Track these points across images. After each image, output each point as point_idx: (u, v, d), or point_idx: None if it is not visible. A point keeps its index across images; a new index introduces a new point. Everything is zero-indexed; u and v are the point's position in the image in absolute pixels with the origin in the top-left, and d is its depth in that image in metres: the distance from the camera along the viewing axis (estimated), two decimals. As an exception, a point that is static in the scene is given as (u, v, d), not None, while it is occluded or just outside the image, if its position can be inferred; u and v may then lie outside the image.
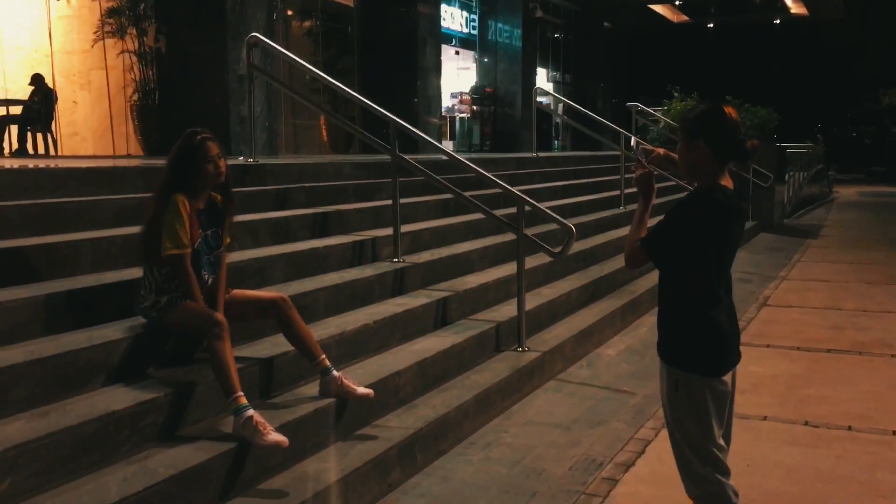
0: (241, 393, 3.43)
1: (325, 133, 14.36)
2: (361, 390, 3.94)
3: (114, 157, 11.28)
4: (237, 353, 3.90)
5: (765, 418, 4.83)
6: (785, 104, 22.17)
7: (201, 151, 3.72)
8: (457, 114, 19.12)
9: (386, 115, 5.72)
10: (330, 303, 4.84)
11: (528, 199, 5.55)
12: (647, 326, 7.07)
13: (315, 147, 14.30)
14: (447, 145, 17.44)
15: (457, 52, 18.80)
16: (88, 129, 13.57)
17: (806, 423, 4.75)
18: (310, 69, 6.29)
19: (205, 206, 3.81)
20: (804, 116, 34.60)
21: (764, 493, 3.79)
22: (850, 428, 4.66)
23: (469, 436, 4.45)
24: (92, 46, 12.46)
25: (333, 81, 6.11)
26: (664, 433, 3.06)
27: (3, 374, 3.11)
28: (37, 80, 12.08)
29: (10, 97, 12.15)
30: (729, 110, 2.71)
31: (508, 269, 6.11)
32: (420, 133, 5.91)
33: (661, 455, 4.08)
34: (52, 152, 12.08)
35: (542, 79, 22.78)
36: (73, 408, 3.19)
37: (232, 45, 10.79)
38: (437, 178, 6.00)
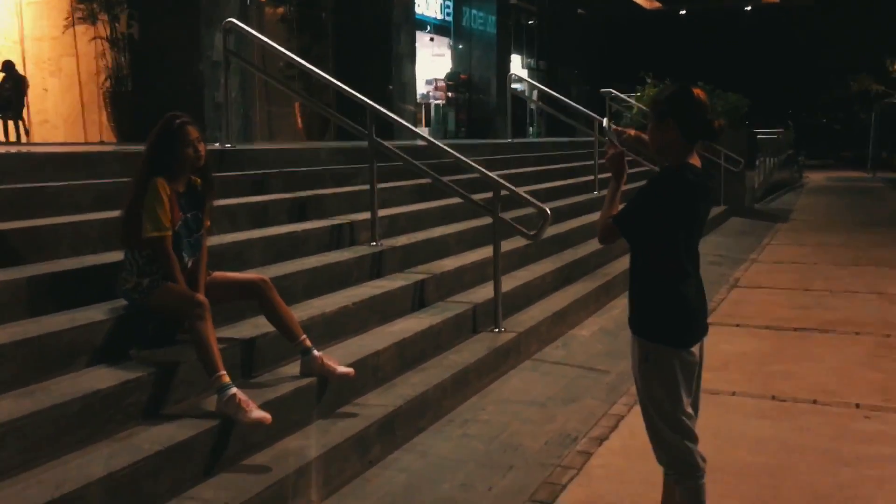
0: (224, 372, 3.50)
1: (299, 120, 14.35)
2: (342, 369, 4.02)
3: (86, 143, 11.24)
4: (219, 334, 3.96)
5: (734, 393, 4.98)
6: (756, 90, 22.40)
7: (181, 135, 3.76)
8: (432, 100, 19.16)
9: (363, 99, 5.78)
10: (309, 285, 4.91)
11: (504, 182, 5.64)
12: (620, 308, 7.20)
13: (290, 134, 14.30)
14: (423, 132, 17.49)
15: (431, 39, 18.83)
16: (59, 116, 13.44)
17: (773, 398, 4.90)
18: (287, 55, 6.32)
19: (185, 189, 3.86)
20: (775, 102, 34.96)
21: (732, 462, 3.92)
22: (815, 402, 4.82)
23: (447, 413, 4.55)
24: (63, 33, 12.35)
25: (311, 67, 6.15)
26: (637, 409, 3.18)
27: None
28: (7, 66, 11.99)
29: (-19, 84, 12.04)
30: (698, 92, 2.82)
31: (484, 252, 6.21)
32: (397, 118, 5.97)
33: (633, 429, 4.21)
34: (23, 139, 12.00)
35: (517, 65, 22.88)
36: (57, 387, 3.25)
37: (205, 31, 10.79)
38: (415, 162, 6.07)
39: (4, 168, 4.72)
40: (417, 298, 5.47)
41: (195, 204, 3.91)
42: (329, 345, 4.51)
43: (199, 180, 3.94)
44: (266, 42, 6.43)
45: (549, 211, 5.46)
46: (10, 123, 11.97)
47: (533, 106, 20.95)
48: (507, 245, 6.36)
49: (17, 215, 4.27)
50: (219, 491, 3.22)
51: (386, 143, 5.96)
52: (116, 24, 11.59)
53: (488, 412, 4.63)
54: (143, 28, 11.66)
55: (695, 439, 2.88)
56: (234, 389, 3.46)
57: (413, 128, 6.05)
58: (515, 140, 12.58)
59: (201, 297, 3.63)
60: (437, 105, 19.38)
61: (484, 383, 5.03)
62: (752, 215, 15.06)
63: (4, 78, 11.91)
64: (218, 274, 4.04)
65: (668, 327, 2.84)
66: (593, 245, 7.95)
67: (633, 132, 3.12)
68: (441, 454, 4.04)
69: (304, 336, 4.02)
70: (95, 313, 3.70)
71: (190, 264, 3.88)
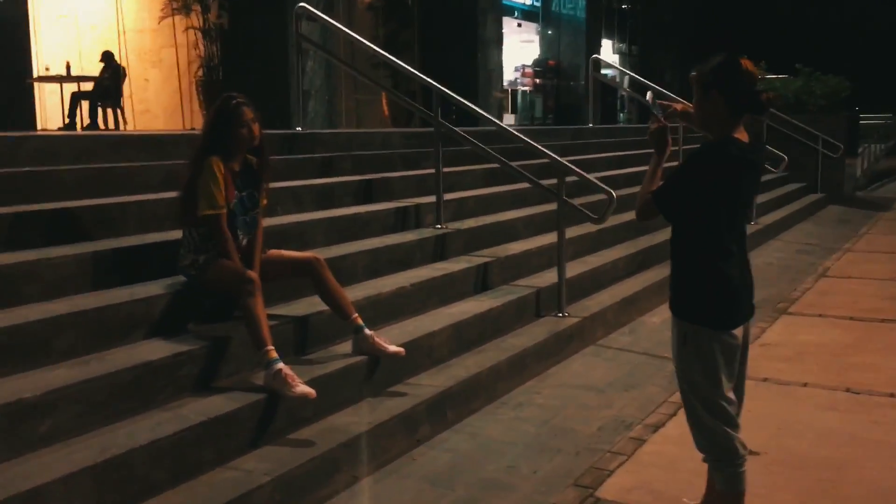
0: (272, 347, 3.57)
1: (385, 107, 14.48)
2: (392, 348, 4.05)
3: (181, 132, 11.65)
4: (274, 311, 4.07)
5: (805, 384, 4.77)
6: (864, 73, 21.33)
7: (236, 115, 3.85)
8: (519, 87, 19.02)
9: (428, 81, 5.78)
10: (369, 266, 4.96)
11: (571, 166, 5.56)
12: (696, 296, 6.99)
13: (377, 121, 14.44)
14: (509, 119, 17.40)
15: (519, 25, 18.66)
16: (160, 105, 13.97)
17: (847, 390, 4.67)
18: (355, 38, 6.38)
19: (240, 168, 3.94)
20: (887, 86, 33.22)
21: (792, 454, 3.77)
22: (892, 395, 4.58)
23: (501, 396, 4.52)
24: (159, 23, 12.84)
25: (375, 48, 6.20)
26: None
27: (49, 324, 3.31)
28: (106, 57, 12.49)
29: (85, 74, 12.59)
30: (745, 62, 2.70)
31: (554, 237, 6.13)
32: (464, 101, 5.93)
33: (690, 417, 4.08)
34: (121, 128, 12.50)
35: (608, 51, 22.45)
36: (112, 358, 3.37)
37: (291, 19, 11.02)
38: (483, 146, 6.04)
39: (82, 149, 4.93)
40: (480, 281, 5.44)
41: (251, 183, 3.99)
42: (385, 325, 4.55)
43: (254, 160, 4.02)
44: (334, 25, 6.50)
45: (614, 194, 5.34)
46: (109, 111, 12.45)
47: (623, 93, 20.56)
48: (577, 230, 6.28)
49: (91, 193, 4.46)
50: (261, 462, 3.29)
51: (461, 130, 5.95)
52: (207, 15, 11.98)
53: (544, 396, 4.58)
54: (233, 18, 12.01)
55: (735, 426, 2.77)
56: (280, 364, 3.52)
57: (481, 111, 6.00)
58: (598, 126, 12.36)
59: (252, 273, 3.70)
60: (524, 92, 19.23)
61: (543, 367, 4.97)
62: (852, 203, 14.39)
63: (104, 68, 12.41)
64: (273, 252, 4.12)
65: (708, 308, 2.74)
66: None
67: (679, 106, 3.02)
68: (490, 436, 4.02)
69: (356, 314, 4.06)
70: (155, 288, 3.83)
71: (245, 242, 3.96)
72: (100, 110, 12.35)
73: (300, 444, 3.48)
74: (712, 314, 2.74)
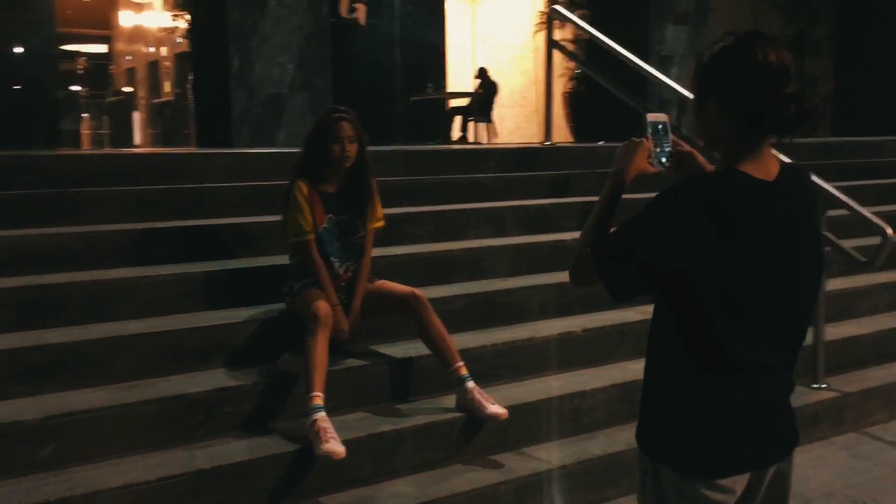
0: (318, 393, 3.14)
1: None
2: (492, 409, 3.34)
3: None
4: (386, 349, 3.66)
5: None
6: None
7: (332, 130, 3.49)
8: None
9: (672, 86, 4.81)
10: (548, 304, 4.22)
11: (841, 195, 4.17)
12: None
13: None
14: None
15: None
16: (525, 118, 14.26)
17: None
18: (605, 42, 5.58)
19: (337, 189, 3.58)
20: None
21: None
22: None
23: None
24: (533, 37, 12.97)
25: (612, 44, 5.34)
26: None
27: (109, 344, 3.29)
28: (482, 73, 12.92)
29: (458, 91, 13.22)
30: (765, 47, 1.61)
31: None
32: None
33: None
34: (488, 141, 12.83)
35: None
36: (163, 385, 3.24)
37: (654, 26, 10.24)
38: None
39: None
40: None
41: (351, 206, 3.60)
42: (538, 375, 3.82)
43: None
44: (586, 29, 5.76)
45: (889, 230, 3.86)
46: (480, 126, 12.86)
47: None
48: (860, 279, 4.74)
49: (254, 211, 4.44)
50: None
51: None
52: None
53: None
54: (596, 27, 11.56)
55: None
56: (318, 414, 3.08)
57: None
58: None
59: (322, 309, 3.30)
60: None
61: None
62: None
63: (480, 84, 12.86)
64: (381, 283, 3.67)
65: (680, 438, 1.69)
66: None
67: (685, 149, 1.91)
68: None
69: (461, 363, 3.44)
70: (251, 313, 3.65)
71: (343, 270, 3.59)
72: (471, 124, 12.82)
73: (320, 512, 3.02)
74: (686, 449, 1.68)
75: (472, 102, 12.78)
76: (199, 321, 3.53)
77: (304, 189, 3.49)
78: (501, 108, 13.56)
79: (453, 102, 12.88)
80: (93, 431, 2.98)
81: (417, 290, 3.54)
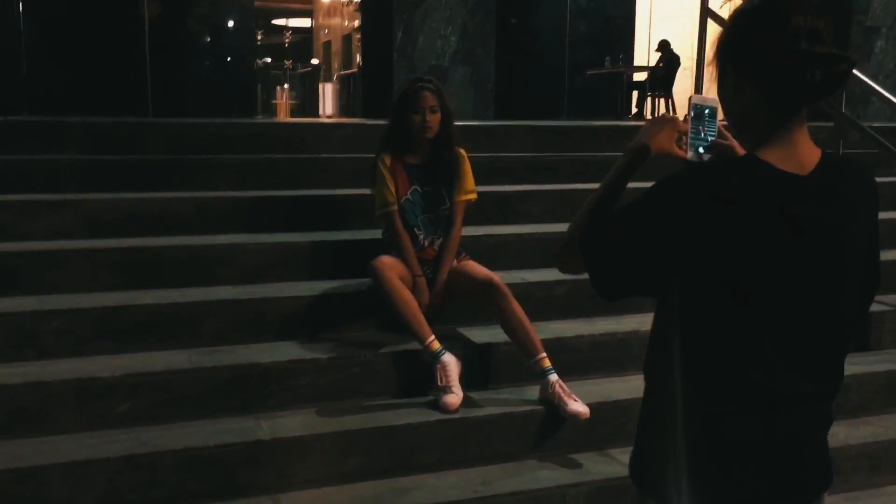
0: (430, 338, 3.19)
1: None
2: (574, 406, 3.11)
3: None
4: (468, 332, 3.51)
5: None
6: None
7: (413, 99, 3.38)
8: None
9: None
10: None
11: None
12: None
13: None
14: None
15: None
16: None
17: None
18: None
19: (422, 161, 3.47)
20: None
21: None
22: None
23: None
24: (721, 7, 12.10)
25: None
26: None
27: (200, 308, 3.36)
28: (663, 46, 12.28)
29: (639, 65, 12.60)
30: (789, 8, 1.31)
31: None
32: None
33: None
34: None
35: None
36: (244, 352, 3.26)
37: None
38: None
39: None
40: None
41: (436, 178, 3.47)
42: (639, 372, 3.51)
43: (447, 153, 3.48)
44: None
45: None
46: (660, 101, 12.25)
47: None
48: None
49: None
50: None
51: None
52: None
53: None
54: None
55: None
56: (443, 358, 3.15)
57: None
58: None
59: (382, 259, 3.29)
60: None
61: None
62: None
63: (660, 58, 12.24)
64: (465, 262, 3.51)
65: (674, 477, 1.42)
66: None
67: (728, 142, 1.58)
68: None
69: (543, 355, 3.23)
70: (342, 286, 3.61)
71: (428, 243, 3.47)
72: (649, 100, 12.24)
73: None
74: (677, 488, 1.41)
75: (650, 77, 12.20)
76: (288, 291, 3.53)
77: (388, 161, 3.41)
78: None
79: (635, 77, 12.33)
80: (167, 394, 3.04)
81: (495, 277, 3.33)
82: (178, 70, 7.53)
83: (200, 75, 8.12)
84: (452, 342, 3.38)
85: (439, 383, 3.13)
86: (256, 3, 9.96)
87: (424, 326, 3.18)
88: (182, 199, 3.95)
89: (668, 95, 12.12)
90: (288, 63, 17.35)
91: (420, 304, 3.31)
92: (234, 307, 3.40)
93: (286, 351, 3.29)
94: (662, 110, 12.19)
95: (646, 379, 1.52)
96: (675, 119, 1.55)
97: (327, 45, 20.72)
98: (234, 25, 9.35)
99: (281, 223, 3.99)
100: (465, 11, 8.38)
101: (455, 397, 3.11)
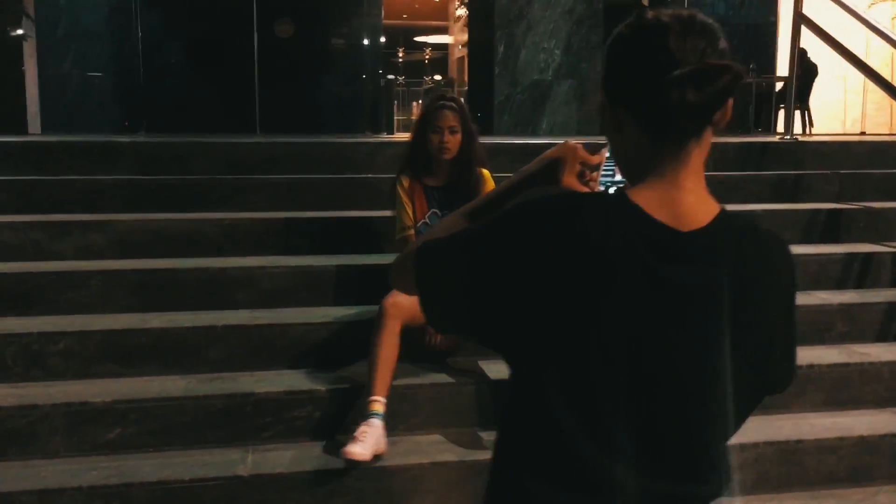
0: (377, 398, 2.84)
1: None
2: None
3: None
4: (485, 366, 3.21)
5: None
6: None
7: (432, 118, 3.16)
8: None
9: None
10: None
11: None
12: None
13: None
14: None
15: None
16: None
17: None
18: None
19: (443, 183, 3.23)
20: None
21: None
22: None
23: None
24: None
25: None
26: None
27: (202, 333, 3.25)
28: (800, 54, 11.41)
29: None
30: (657, 29, 1.03)
31: None
32: None
33: None
34: (806, 131, 11.31)
35: None
36: (245, 380, 3.13)
37: None
38: None
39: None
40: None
41: (456, 202, 3.18)
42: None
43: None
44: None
45: None
46: (797, 114, 11.37)
47: None
48: None
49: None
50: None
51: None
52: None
53: None
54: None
55: None
56: (371, 420, 2.78)
57: None
58: None
59: (389, 299, 2.99)
60: None
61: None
62: None
63: (796, 66, 11.37)
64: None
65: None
66: None
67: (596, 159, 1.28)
68: None
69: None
70: (358, 311, 3.42)
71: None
72: (782, 111, 11.39)
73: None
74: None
75: (784, 88, 11.34)
76: (300, 317, 3.37)
77: (406, 182, 3.23)
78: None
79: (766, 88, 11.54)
80: (158, 421, 2.94)
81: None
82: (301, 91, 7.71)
83: (329, 93, 8.65)
84: (463, 375, 3.12)
85: (354, 434, 2.76)
86: (398, 22, 10.04)
87: (384, 385, 2.87)
88: (213, 219, 3.88)
89: (804, 107, 11.25)
90: (428, 80, 17.50)
91: (431, 339, 3.08)
92: (243, 332, 3.28)
93: (287, 380, 3.12)
94: (798, 122, 11.33)
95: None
96: (575, 147, 1.26)
97: (461, 59, 20.80)
98: (362, 44, 9.50)
99: (309, 245, 3.87)
100: (570, 24, 8.07)
101: (362, 450, 2.70)
